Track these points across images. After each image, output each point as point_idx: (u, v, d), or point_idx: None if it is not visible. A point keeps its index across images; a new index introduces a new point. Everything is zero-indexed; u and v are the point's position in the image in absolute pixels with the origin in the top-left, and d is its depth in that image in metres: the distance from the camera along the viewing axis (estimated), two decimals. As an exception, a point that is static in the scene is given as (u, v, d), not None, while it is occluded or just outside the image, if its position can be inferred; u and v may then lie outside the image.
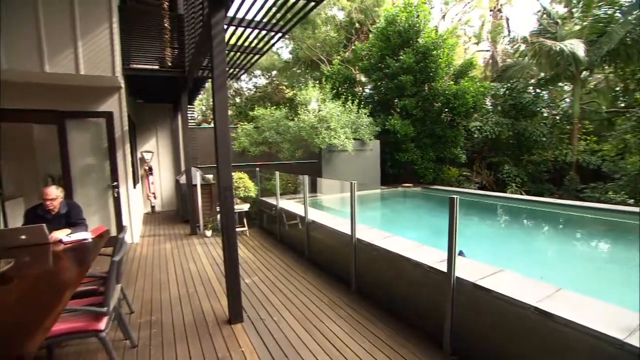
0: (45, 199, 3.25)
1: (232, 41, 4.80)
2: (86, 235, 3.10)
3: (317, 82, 11.11)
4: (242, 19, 3.96)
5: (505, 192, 9.87)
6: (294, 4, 3.60)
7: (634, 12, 9.90)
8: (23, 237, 2.85)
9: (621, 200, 7.25)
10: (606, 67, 12.04)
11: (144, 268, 4.96)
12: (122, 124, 5.91)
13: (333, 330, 3.14)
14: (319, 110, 8.95)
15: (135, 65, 5.95)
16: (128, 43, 5.84)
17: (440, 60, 10.25)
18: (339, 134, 8.59)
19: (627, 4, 10.47)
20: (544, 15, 11.99)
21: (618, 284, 4.34)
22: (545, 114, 12.04)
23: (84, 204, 5.56)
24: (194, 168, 7.43)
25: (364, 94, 13.14)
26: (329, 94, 9.39)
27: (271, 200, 7.02)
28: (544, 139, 10.99)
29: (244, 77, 21.39)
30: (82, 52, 4.98)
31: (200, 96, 16.27)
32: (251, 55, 5.37)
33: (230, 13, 3.52)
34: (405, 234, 4.17)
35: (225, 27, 3.58)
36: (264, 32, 4.45)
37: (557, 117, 12.33)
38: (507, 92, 11.88)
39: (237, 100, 20.59)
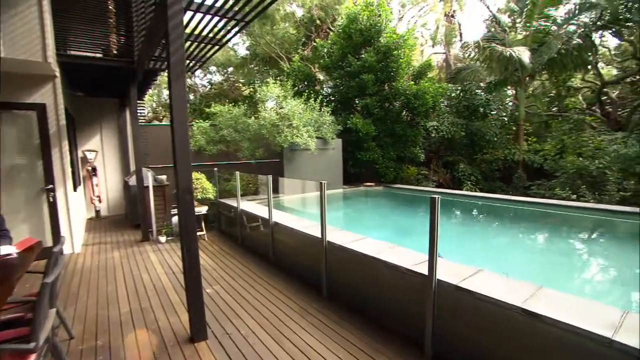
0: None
1: (188, 31, 4.39)
2: (9, 250, 2.58)
3: (278, 78, 10.80)
4: (201, 4, 3.60)
5: (461, 190, 10.31)
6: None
7: (563, 27, 10.94)
8: None
9: (566, 196, 7.88)
10: (544, 74, 13.15)
11: (88, 282, 4.37)
12: (58, 118, 5.19)
13: (305, 339, 2.94)
14: (281, 108, 8.68)
15: (74, 52, 5.25)
16: (65, 26, 5.15)
17: (401, 60, 10.44)
18: (301, 133, 8.38)
19: (560, 18, 11.51)
20: (494, 23, 12.75)
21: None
22: (495, 116, 12.81)
23: (10, 211, 4.83)
24: (145, 168, 6.81)
25: (325, 92, 13.06)
26: (290, 91, 9.15)
27: (231, 202, 6.64)
28: (495, 139, 11.69)
29: (198, 72, 20.38)
30: (2, 31, 4.23)
31: (150, 91, 15.14)
32: (210, 46, 4.98)
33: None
34: (370, 234, 4.10)
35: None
36: (223, 22, 4.12)
37: (505, 119, 13.20)
38: (461, 94, 12.46)
39: (191, 97, 19.59)
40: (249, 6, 3.60)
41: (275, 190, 8.50)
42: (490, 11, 14.16)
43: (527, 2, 11.41)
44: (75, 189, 6.20)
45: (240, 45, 19.91)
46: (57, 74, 4.99)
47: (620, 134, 9.58)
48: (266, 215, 5.11)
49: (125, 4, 5.78)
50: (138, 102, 7.10)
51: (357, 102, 11.38)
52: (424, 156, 11.36)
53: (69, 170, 5.47)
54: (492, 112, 12.41)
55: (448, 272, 2.66)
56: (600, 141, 9.49)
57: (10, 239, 2.87)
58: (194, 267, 2.85)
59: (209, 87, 21.68)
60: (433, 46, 18.39)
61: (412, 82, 10.81)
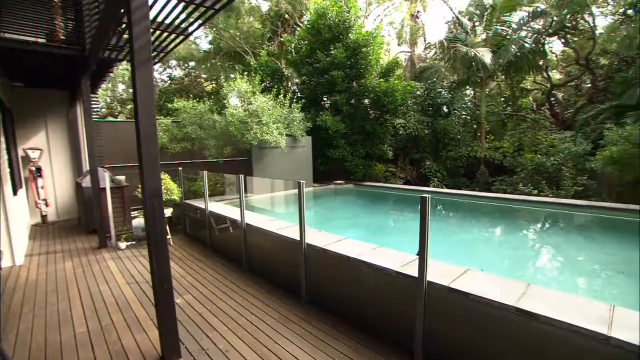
0: None
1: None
2: None
3: (244, 73, 10.39)
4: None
5: (428, 186, 10.58)
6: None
7: (517, 32, 11.60)
8: None
9: (528, 191, 8.33)
10: (501, 75, 13.89)
11: (33, 299, 3.84)
12: (-9, 112, 4.53)
13: (290, 350, 2.76)
14: (249, 104, 8.33)
15: (8, 35, 4.59)
16: (-2, 5, 4.47)
17: (370, 57, 10.46)
18: (271, 130, 8.11)
19: (514, 24, 12.19)
20: (456, 25, 13.20)
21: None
22: (457, 114, 13.30)
23: None
24: (101, 169, 6.19)
25: (293, 88, 12.82)
26: (258, 87, 8.82)
27: (197, 203, 6.24)
28: (459, 136, 12.13)
29: (156, 66, 19.20)
30: None
31: (104, 85, 13.97)
32: (174, 35, 4.58)
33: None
34: (344, 233, 4.00)
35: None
36: (190, 9, 3.77)
37: (467, 117, 13.77)
38: (426, 92, 12.80)
39: (150, 91, 18.39)
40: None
41: (244, 189, 8.14)
42: (454, 13, 14.65)
43: (486, 7, 11.94)
44: (15, 193, 5.49)
45: (202, 38, 19.05)
46: (-11, 60, 4.34)
47: (569, 133, 10.34)
48: (237, 217, 4.83)
49: (73, -16, 5.16)
50: (91, 95, 6.44)
51: (326, 99, 11.28)
52: (392, 153, 11.52)
53: (6, 171, 4.80)
54: (455, 111, 12.87)
55: (435, 272, 2.60)
56: (553, 139, 10.18)
57: None
58: (165, 279, 2.54)
59: (169, 82, 20.55)
60: (399, 44, 18.75)
61: (382, 80, 10.88)
